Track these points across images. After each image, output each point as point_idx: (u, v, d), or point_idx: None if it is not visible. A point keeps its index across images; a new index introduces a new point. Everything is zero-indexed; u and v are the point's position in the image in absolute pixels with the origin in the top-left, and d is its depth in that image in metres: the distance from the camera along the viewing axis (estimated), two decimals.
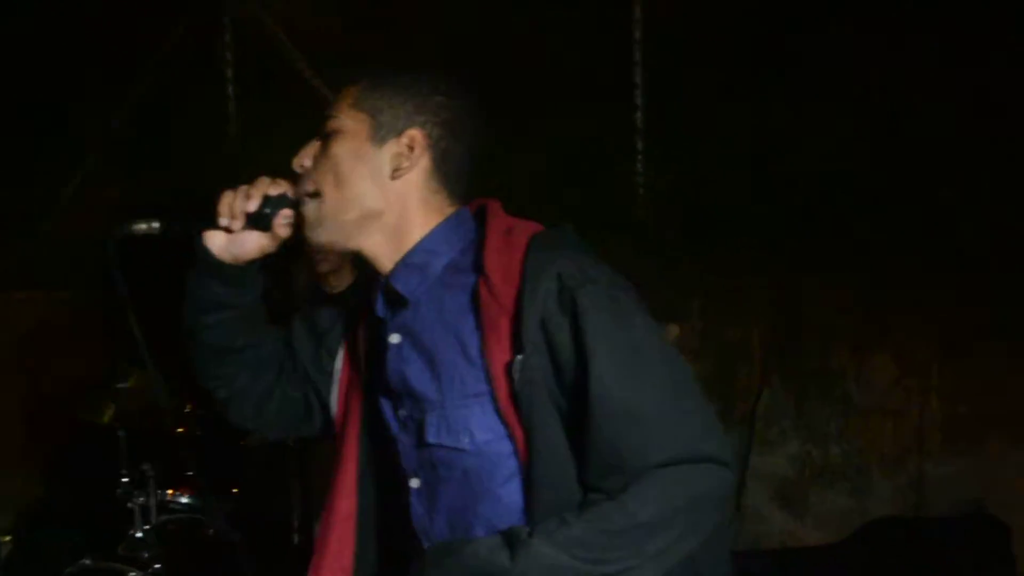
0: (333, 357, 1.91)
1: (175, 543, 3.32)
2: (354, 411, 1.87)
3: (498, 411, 1.66)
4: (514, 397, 1.64)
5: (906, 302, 4.16)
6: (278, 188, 1.79)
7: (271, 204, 1.79)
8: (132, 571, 3.16)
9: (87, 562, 3.19)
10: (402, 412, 1.77)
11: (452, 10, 4.23)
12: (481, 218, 1.78)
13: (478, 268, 1.70)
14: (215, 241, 1.82)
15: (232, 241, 1.82)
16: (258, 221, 1.79)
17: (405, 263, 1.74)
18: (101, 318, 3.61)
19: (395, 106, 1.73)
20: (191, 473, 3.28)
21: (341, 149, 1.73)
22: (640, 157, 4.33)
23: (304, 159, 1.77)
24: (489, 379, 1.66)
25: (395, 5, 4.27)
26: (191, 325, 1.89)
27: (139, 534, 3.23)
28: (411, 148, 1.73)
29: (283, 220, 1.79)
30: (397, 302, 1.76)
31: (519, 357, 1.63)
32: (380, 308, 1.78)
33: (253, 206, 1.78)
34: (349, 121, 1.74)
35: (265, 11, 4.21)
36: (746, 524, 4.18)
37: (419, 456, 1.75)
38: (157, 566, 3.19)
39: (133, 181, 4.16)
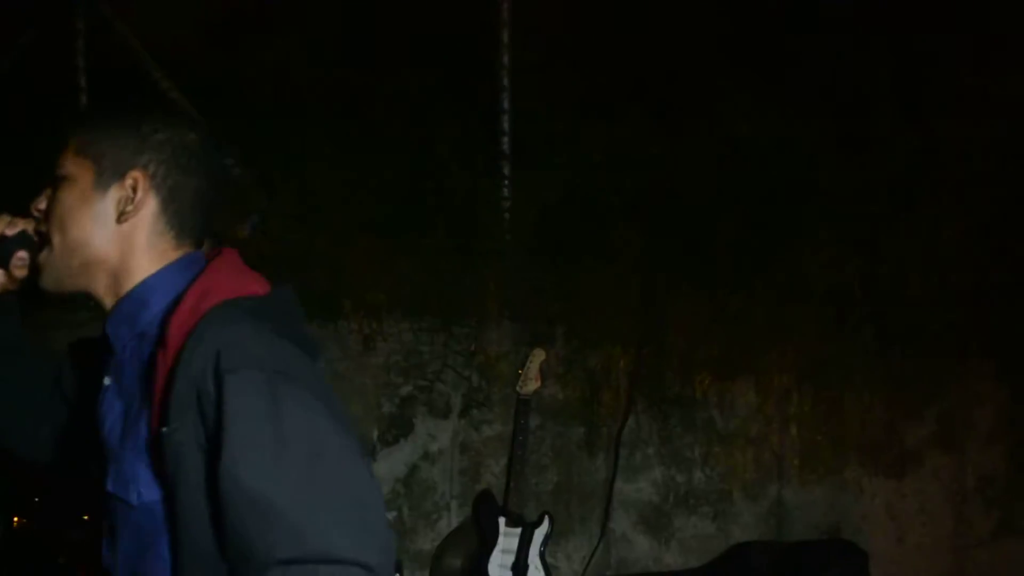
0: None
1: None
2: None
3: (156, 475, 1.61)
4: (164, 467, 1.58)
5: (767, 330, 4.22)
6: (14, 228, 1.77)
7: (6, 244, 1.76)
8: None
9: None
10: (105, 452, 1.73)
11: (312, 27, 4.16)
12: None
13: (164, 328, 1.63)
14: None
15: None
16: None
17: (117, 308, 1.71)
18: None
19: (117, 148, 1.69)
20: None
21: (67, 196, 1.70)
22: (506, 182, 4.31)
23: (40, 203, 1.75)
24: (149, 443, 1.61)
25: (254, 17, 4.18)
26: None
27: None
28: (135, 190, 1.69)
29: (18, 263, 1.77)
30: (111, 346, 1.73)
31: (164, 430, 1.56)
32: (106, 347, 1.75)
33: None
34: (73, 168, 1.70)
35: (120, 19, 4.04)
36: (611, 549, 4.16)
37: (106, 501, 1.71)
38: None
39: None
